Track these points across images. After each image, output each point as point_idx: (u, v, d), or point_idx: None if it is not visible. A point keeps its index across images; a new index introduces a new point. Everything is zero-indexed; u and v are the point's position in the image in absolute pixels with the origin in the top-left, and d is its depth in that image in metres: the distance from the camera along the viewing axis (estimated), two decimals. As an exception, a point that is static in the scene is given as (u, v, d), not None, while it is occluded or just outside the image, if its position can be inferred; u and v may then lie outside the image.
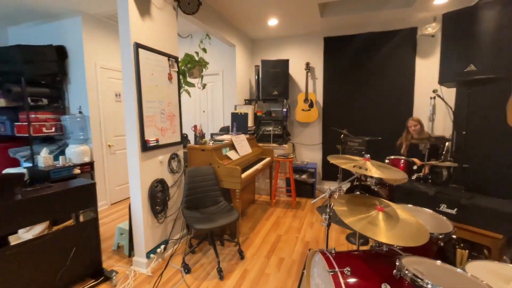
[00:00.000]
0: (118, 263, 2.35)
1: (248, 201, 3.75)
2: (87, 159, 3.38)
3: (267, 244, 2.69)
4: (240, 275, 2.17)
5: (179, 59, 2.69)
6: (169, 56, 2.41)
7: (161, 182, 2.33)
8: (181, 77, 2.76)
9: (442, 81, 2.40)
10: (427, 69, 3.74)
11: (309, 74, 4.29)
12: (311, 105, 4.23)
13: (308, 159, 4.51)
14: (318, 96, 4.35)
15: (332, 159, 1.71)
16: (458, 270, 1.11)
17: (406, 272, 1.01)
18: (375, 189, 2.80)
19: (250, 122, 3.99)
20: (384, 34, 3.89)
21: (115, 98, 3.80)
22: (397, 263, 1.10)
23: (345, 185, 3.56)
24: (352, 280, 1.26)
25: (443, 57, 2.44)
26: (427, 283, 0.93)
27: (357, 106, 4.13)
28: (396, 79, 3.90)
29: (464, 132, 2.44)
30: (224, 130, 3.97)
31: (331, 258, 1.38)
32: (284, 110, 4.11)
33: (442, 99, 2.98)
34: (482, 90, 2.39)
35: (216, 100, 4.37)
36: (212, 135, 3.58)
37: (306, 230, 3.00)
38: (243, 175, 2.68)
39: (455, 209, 2.06)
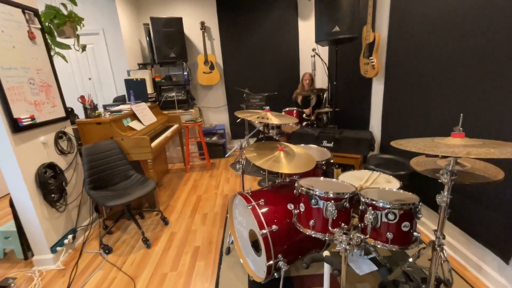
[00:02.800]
0: (12, 270, 1.96)
1: (162, 172, 3.65)
2: None
3: (189, 206, 2.80)
4: (167, 239, 2.23)
5: (40, 13, 2.13)
6: (23, 7, 1.86)
7: (50, 166, 1.97)
8: (48, 36, 2.21)
9: (317, 40, 2.87)
10: (307, 30, 4.30)
11: (205, 34, 4.19)
12: (212, 67, 4.23)
13: (216, 122, 4.64)
14: (218, 57, 4.37)
15: (239, 114, 1.88)
16: (334, 180, 1.54)
17: (302, 188, 1.34)
18: (277, 138, 3.27)
19: (150, 89, 3.68)
20: (271, -5, 4.14)
21: None
22: (296, 185, 1.43)
23: (252, 140, 3.94)
24: (266, 208, 1.56)
25: (317, 19, 2.88)
26: (315, 190, 1.28)
27: (254, 65, 4.41)
28: (284, 39, 4.34)
29: (334, 83, 3.09)
30: (120, 100, 3.54)
31: (248, 196, 1.63)
32: (185, 73, 3.97)
33: (319, 56, 3.57)
34: (345, 48, 3.02)
35: (102, 65, 3.73)
36: (105, 107, 3.15)
37: (224, 186, 3.26)
38: (153, 144, 2.58)
39: (332, 143, 2.70)
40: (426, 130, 2.04)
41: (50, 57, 2.09)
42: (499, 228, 1.49)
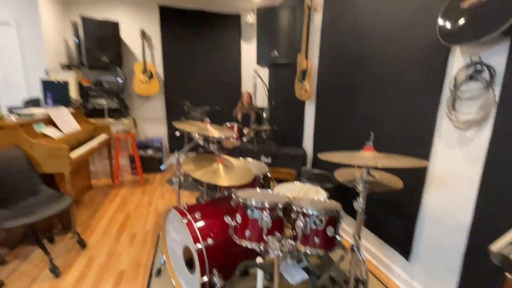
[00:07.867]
0: None
1: (82, 188, 3.18)
2: None
3: (115, 225, 2.49)
4: (84, 265, 1.92)
5: None
6: None
7: None
8: None
9: (258, 62, 3.07)
10: (250, 52, 4.54)
11: (145, 42, 4.00)
12: (150, 77, 4.02)
13: (153, 134, 4.36)
14: (158, 67, 4.20)
15: (179, 124, 1.82)
16: (270, 191, 1.61)
17: (239, 198, 1.36)
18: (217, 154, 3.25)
19: (74, 94, 3.25)
20: (215, 15, 4.27)
21: None
22: (232, 196, 1.44)
23: (192, 155, 3.82)
24: (202, 221, 1.51)
25: (258, 43, 3.10)
26: (251, 200, 1.31)
27: (197, 79, 4.38)
28: (227, 57, 4.47)
29: (273, 102, 3.31)
30: (33, 104, 3.01)
31: (184, 210, 1.55)
32: (121, 80, 3.66)
33: (260, 77, 3.80)
34: (283, 71, 3.30)
35: (11, 63, 3.14)
36: (11, 109, 2.64)
37: (158, 202, 3.03)
38: (74, 155, 2.25)
39: (270, 158, 2.83)
40: (349, 146, 2.34)
41: None
42: (401, 231, 1.77)
